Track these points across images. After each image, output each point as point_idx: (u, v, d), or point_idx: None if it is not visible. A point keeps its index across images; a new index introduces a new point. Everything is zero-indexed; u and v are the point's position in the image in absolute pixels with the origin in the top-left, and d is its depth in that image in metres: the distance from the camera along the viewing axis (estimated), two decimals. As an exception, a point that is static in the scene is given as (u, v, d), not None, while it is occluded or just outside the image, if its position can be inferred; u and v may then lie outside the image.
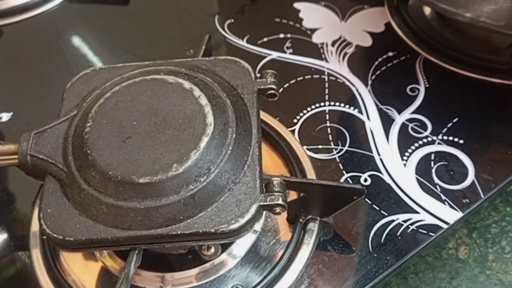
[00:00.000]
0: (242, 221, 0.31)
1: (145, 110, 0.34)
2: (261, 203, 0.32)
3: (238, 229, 0.31)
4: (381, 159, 0.45)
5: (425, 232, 0.40)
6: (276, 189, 0.33)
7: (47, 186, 0.33)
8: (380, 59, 0.53)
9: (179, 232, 0.31)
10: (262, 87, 0.37)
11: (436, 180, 0.43)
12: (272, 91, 0.37)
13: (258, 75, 0.38)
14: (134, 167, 0.31)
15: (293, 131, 0.47)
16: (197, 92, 0.35)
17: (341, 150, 0.46)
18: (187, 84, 0.35)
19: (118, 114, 0.34)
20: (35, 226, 0.42)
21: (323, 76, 0.52)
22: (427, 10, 0.57)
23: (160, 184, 0.31)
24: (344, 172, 0.44)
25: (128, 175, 0.31)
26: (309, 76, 0.52)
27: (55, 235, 0.31)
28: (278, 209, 0.32)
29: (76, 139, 0.33)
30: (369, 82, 0.51)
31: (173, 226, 0.31)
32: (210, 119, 0.33)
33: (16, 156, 0.34)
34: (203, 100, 0.34)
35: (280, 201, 0.32)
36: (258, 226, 0.41)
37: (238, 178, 0.32)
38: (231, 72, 0.38)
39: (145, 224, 0.31)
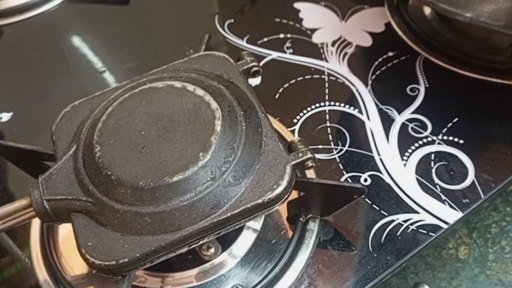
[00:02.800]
0: (284, 183, 0.32)
1: (147, 118, 0.34)
2: (293, 162, 0.33)
3: (283, 192, 0.32)
4: (381, 159, 0.45)
5: (425, 232, 0.40)
6: (300, 146, 0.34)
7: (76, 223, 0.32)
8: (380, 59, 0.53)
9: (229, 215, 0.31)
10: (245, 67, 0.38)
11: (436, 180, 0.43)
12: (255, 69, 0.39)
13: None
14: (162, 170, 0.31)
15: (293, 131, 0.47)
16: (190, 87, 0.35)
17: (341, 150, 0.46)
18: (177, 84, 0.35)
19: (122, 131, 0.33)
20: (35, 226, 0.42)
21: (323, 76, 0.52)
22: (427, 10, 0.57)
23: (195, 176, 0.31)
24: (344, 172, 0.44)
25: (160, 179, 0.31)
26: (309, 76, 0.52)
27: (107, 263, 0.30)
28: (309, 163, 0.34)
29: (89, 168, 0.32)
30: (369, 82, 0.51)
31: (220, 211, 0.31)
32: (214, 105, 0.34)
33: (30, 209, 0.33)
34: (200, 91, 0.35)
35: (309, 155, 0.34)
36: (258, 226, 0.41)
37: (261, 148, 0.33)
38: (210, 64, 0.39)
39: (193, 219, 0.31)
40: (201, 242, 0.32)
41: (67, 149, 0.34)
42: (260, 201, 0.31)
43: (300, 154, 0.33)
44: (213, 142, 0.32)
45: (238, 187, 0.32)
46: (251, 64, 0.39)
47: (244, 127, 0.33)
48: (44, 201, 0.32)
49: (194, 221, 0.31)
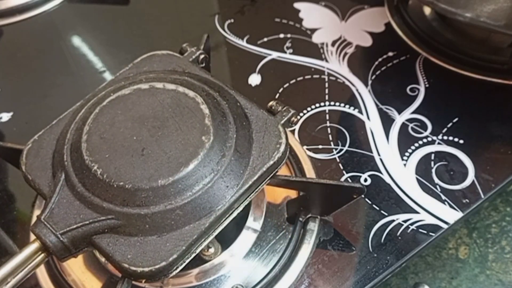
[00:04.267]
0: (283, 140, 0.34)
1: (132, 124, 0.33)
2: (282, 121, 0.36)
3: (286, 149, 0.34)
4: (381, 159, 0.45)
5: (425, 232, 0.40)
6: (280, 108, 0.37)
7: (103, 244, 0.31)
8: (380, 59, 0.53)
9: (250, 183, 0.32)
10: (193, 57, 0.40)
11: (436, 180, 0.43)
12: (202, 56, 0.40)
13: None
14: (174, 163, 0.31)
15: (293, 131, 0.47)
16: (158, 84, 0.35)
17: (341, 150, 0.46)
18: (143, 85, 0.35)
19: (112, 143, 0.33)
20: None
21: (323, 76, 0.52)
22: (427, 10, 0.57)
23: (207, 158, 0.32)
24: (344, 172, 0.44)
25: (176, 171, 0.31)
26: (309, 76, 0.52)
27: (157, 266, 0.29)
28: (294, 118, 0.37)
29: (95, 188, 0.31)
30: (369, 82, 0.51)
31: (241, 181, 0.32)
32: (191, 93, 0.34)
33: (38, 254, 0.31)
34: (170, 86, 0.35)
35: (292, 111, 0.36)
36: (258, 226, 0.41)
37: (248, 119, 0.35)
38: (158, 63, 0.39)
39: (221, 197, 0.31)
40: (233, 216, 0.33)
41: (54, 181, 0.33)
42: (271, 162, 0.33)
43: (284, 113, 0.36)
44: (209, 124, 0.33)
45: (247, 157, 0.33)
46: (198, 53, 0.40)
47: (226, 105, 0.35)
48: (60, 236, 0.30)
49: (222, 198, 0.31)
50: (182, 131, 0.33)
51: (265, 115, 0.35)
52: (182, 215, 0.31)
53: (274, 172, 0.34)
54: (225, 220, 0.32)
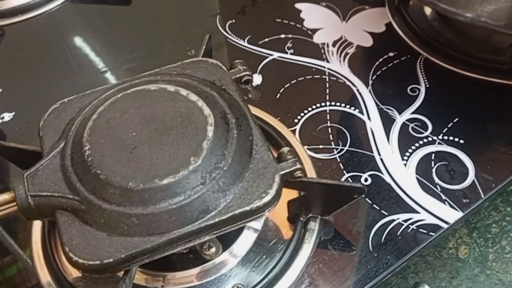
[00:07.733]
0: (272, 192, 0.32)
1: (139, 120, 0.34)
2: (282, 172, 0.33)
3: (271, 201, 0.32)
4: (381, 159, 0.45)
5: (425, 231, 0.40)
6: (289, 157, 0.34)
7: (61, 221, 0.31)
8: (380, 59, 0.53)
9: (217, 220, 0.31)
10: (237, 76, 0.39)
11: (437, 180, 0.43)
12: (246, 77, 0.40)
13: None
14: (152, 172, 0.31)
15: (294, 131, 0.47)
16: (183, 91, 0.35)
17: (341, 150, 0.46)
18: (170, 87, 0.35)
19: (113, 131, 0.33)
20: (36, 226, 0.42)
21: (324, 76, 0.52)
22: (427, 10, 0.57)
23: (185, 180, 0.31)
24: (344, 172, 0.44)
25: (150, 180, 0.31)
26: (310, 76, 0.52)
27: (91, 263, 0.30)
28: (298, 173, 0.34)
29: (78, 166, 0.32)
30: (370, 82, 0.51)
31: (208, 216, 0.31)
32: (207, 110, 0.34)
33: (12, 204, 0.32)
34: (193, 97, 0.35)
35: (298, 165, 0.34)
36: (259, 225, 0.41)
37: (251, 156, 0.34)
38: (202, 71, 0.39)
39: (181, 223, 0.31)
40: (186, 246, 0.32)
41: (55, 146, 0.34)
42: (248, 208, 0.31)
43: (290, 164, 0.34)
44: (204, 147, 0.32)
45: (227, 194, 0.32)
46: (244, 73, 0.39)
47: (235, 134, 0.34)
48: (29, 197, 0.32)
49: (181, 224, 0.31)
50: (177, 144, 0.32)
51: (269, 159, 0.34)
52: (137, 224, 0.31)
53: (247, 220, 0.32)
54: (177, 246, 0.31)
